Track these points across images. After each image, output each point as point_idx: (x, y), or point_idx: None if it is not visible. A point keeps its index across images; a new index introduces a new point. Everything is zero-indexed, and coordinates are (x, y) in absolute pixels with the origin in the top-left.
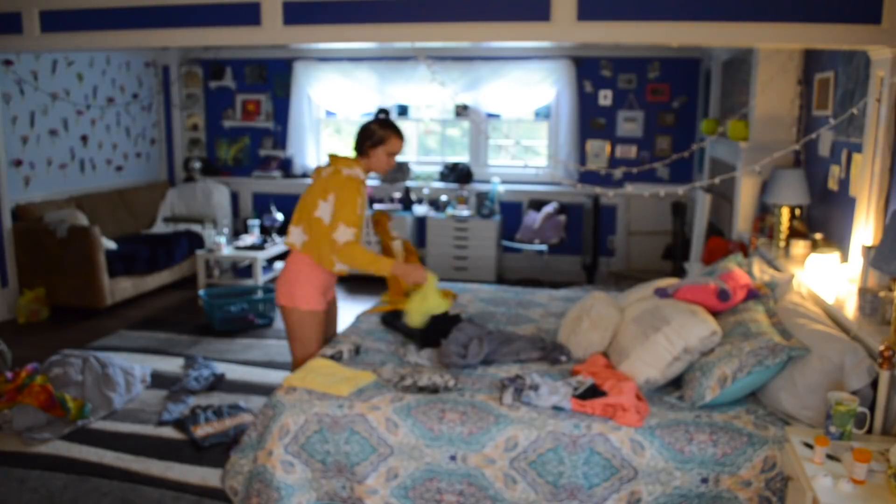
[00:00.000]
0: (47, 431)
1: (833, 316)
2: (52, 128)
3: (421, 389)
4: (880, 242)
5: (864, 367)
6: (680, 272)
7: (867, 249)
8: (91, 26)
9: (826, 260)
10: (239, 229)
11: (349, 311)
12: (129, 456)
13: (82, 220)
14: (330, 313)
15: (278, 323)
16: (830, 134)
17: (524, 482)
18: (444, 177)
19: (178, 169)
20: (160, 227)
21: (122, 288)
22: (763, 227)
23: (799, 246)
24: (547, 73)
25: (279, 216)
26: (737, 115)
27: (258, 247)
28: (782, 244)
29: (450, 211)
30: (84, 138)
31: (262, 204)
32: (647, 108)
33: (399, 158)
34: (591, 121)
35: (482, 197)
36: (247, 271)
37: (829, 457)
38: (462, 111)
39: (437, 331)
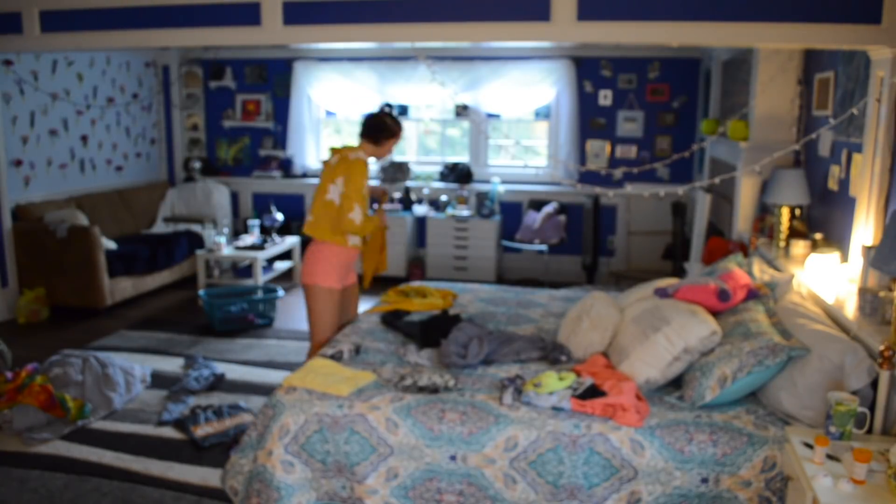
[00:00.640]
0: (47, 431)
1: (833, 316)
2: (52, 128)
3: (421, 389)
4: (880, 242)
5: (864, 367)
6: (680, 272)
7: (867, 249)
8: (91, 26)
9: (826, 260)
10: (239, 229)
11: None
12: (129, 456)
13: (82, 220)
14: (347, 297)
15: (278, 323)
16: (830, 134)
17: (524, 482)
18: (444, 177)
19: (178, 169)
20: (160, 227)
21: (122, 288)
22: (763, 227)
23: (799, 246)
24: (547, 73)
25: (279, 216)
26: (737, 115)
27: (258, 247)
28: (782, 244)
29: (450, 211)
30: (84, 138)
31: (261, 204)
32: (647, 108)
33: (399, 158)
34: (591, 121)
35: (482, 197)
36: (247, 271)
37: (829, 457)
38: (462, 111)
39: (437, 330)
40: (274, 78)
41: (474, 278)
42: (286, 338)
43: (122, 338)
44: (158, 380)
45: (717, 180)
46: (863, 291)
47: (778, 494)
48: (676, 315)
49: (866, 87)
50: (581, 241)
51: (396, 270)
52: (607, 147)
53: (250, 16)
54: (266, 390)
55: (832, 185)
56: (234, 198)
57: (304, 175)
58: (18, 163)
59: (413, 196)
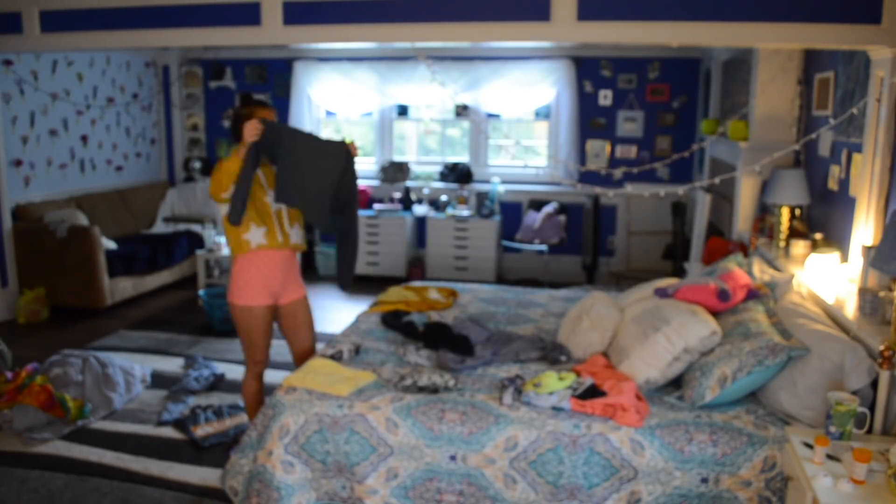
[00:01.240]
0: (47, 431)
1: (833, 316)
2: (52, 128)
3: (421, 389)
4: (880, 242)
5: (864, 367)
6: (680, 272)
7: (867, 249)
8: (91, 26)
9: (826, 260)
10: None
11: (349, 311)
12: (129, 456)
13: (82, 220)
14: (285, 320)
15: None
16: (830, 134)
17: (524, 482)
18: (444, 177)
19: (178, 169)
20: (160, 227)
21: (122, 288)
22: (763, 227)
23: (799, 246)
24: (547, 73)
25: None
26: (737, 115)
27: None
28: (782, 244)
29: (450, 211)
30: (84, 138)
31: None
32: (647, 108)
33: (399, 158)
34: (591, 121)
35: (482, 197)
36: None
37: (829, 457)
38: (462, 111)
39: (439, 336)
40: (274, 78)
41: (474, 278)
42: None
43: (122, 338)
44: (158, 380)
45: (717, 180)
46: (863, 291)
47: (778, 494)
48: (676, 315)
49: (866, 87)
50: (581, 241)
51: (396, 270)
52: (607, 147)
53: (250, 16)
54: (266, 390)
55: (832, 185)
56: None
57: None
58: (18, 163)
59: (413, 196)
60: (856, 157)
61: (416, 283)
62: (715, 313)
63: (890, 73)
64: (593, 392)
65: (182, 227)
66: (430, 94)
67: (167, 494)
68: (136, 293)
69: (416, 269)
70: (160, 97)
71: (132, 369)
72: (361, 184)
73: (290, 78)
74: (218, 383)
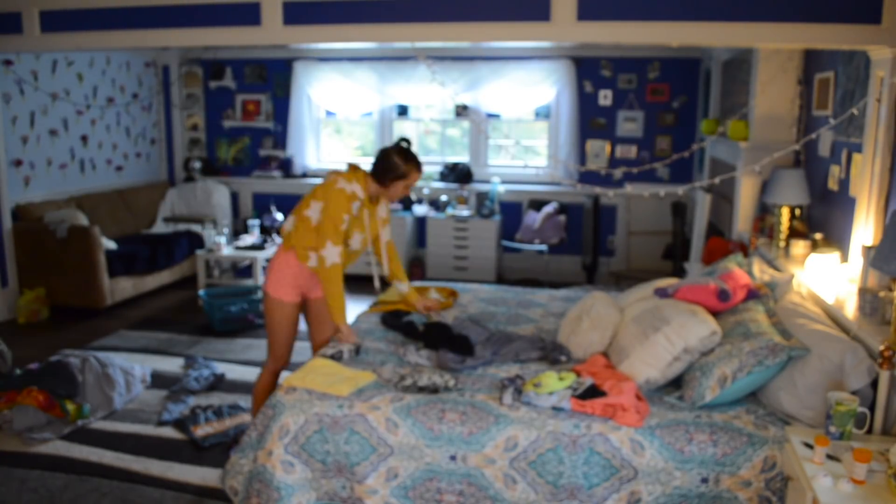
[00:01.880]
0: (47, 431)
1: (833, 316)
2: (52, 128)
3: (421, 389)
4: (880, 242)
5: (864, 367)
6: (680, 272)
7: (867, 249)
8: (91, 26)
9: (826, 260)
10: (239, 229)
11: (349, 311)
12: (129, 456)
13: (82, 220)
14: (315, 311)
15: None
16: (830, 134)
17: (524, 482)
18: (444, 177)
19: (178, 169)
20: (160, 227)
21: (122, 288)
22: (763, 227)
23: (799, 246)
24: (547, 73)
25: (279, 216)
26: (737, 115)
27: (258, 247)
28: (782, 244)
29: (450, 211)
30: (84, 138)
31: (261, 204)
32: (647, 108)
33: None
34: (591, 121)
35: (482, 197)
36: (247, 271)
37: (829, 457)
38: (462, 111)
39: (439, 336)
40: (274, 78)
41: (474, 278)
42: None
43: (122, 338)
44: (158, 380)
45: (717, 180)
46: (863, 291)
47: (778, 494)
48: (676, 315)
49: (866, 87)
50: (581, 241)
51: None
52: (607, 147)
53: (250, 16)
54: None
55: (832, 185)
56: (234, 198)
57: (304, 175)
58: (18, 163)
59: (413, 196)
60: (856, 157)
61: (416, 283)
62: (715, 313)
63: (890, 73)
64: (593, 392)
65: (182, 227)
66: (430, 94)
67: (167, 494)
68: (136, 293)
69: (416, 269)
70: (160, 97)
71: (132, 369)
72: None
73: (290, 78)
74: (218, 383)
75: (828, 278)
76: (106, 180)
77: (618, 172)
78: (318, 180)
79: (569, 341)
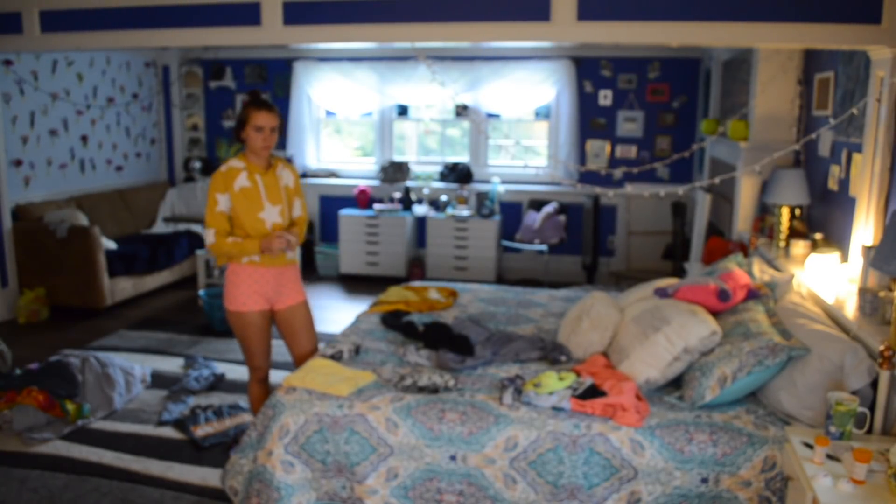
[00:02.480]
0: (47, 431)
1: (833, 316)
2: (52, 128)
3: (421, 389)
4: (880, 242)
5: (864, 367)
6: (680, 272)
7: (867, 249)
8: (91, 26)
9: (826, 260)
10: None
11: (349, 311)
12: (129, 456)
13: (82, 220)
14: (281, 325)
15: None
16: (830, 134)
17: (524, 482)
18: (444, 177)
19: (178, 169)
20: (160, 227)
21: (122, 288)
22: (763, 227)
23: (799, 246)
24: (547, 73)
25: None
26: (737, 115)
27: None
28: (782, 244)
29: (450, 211)
30: (84, 138)
31: None
32: (647, 108)
33: (399, 158)
34: (591, 121)
35: (482, 197)
36: None
37: (829, 457)
38: (462, 111)
39: (439, 335)
40: (274, 78)
41: (474, 278)
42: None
43: (122, 338)
44: (158, 380)
45: (717, 180)
46: (863, 291)
47: (778, 494)
48: (676, 315)
49: (866, 87)
50: (581, 241)
51: (396, 270)
52: (607, 147)
53: (250, 16)
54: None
55: (832, 185)
56: None
57: (304, 175)
58: (18, 163)
59: (413, 196)
60: (856, 157)
61: (416, 283)
62: (715, 313)
63: (890, 73)
64: (593, 392)
65: (182, 227)
66: (430, 94)
67: (167, 494)
68: (136, 293)
69: (416, 269)
70: (160, 97)
71: (132, 369)
72: (363, 184)
73: (290, 78)
74: (218, 383)
75: (828, 278)
76: (106, 180)
77: (618, 172)
78: (319, 180)
79: (569, 341)
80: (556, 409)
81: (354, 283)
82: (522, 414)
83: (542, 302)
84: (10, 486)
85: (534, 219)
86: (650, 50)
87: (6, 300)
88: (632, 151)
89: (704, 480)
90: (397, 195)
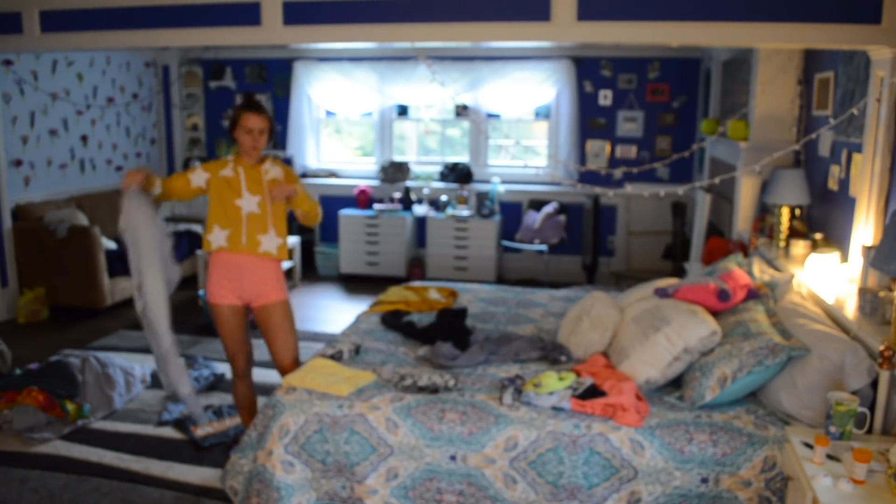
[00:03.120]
0: (47, 431)
1: (833, 316)
2: (52, 128)
3: (421, 389)
4: (880, 242)
5: (864, 367)
6: (680, 272)
7: (867, 249)
8: (91, 26)
9: (826, 260)
10: None
11: (349, 311)
12: (129, 456)
13: (82, 220)
14: (260, 324)
15: None
16: (830, 134)
17: (524, 482)
18: (444, 177)
19: (178, 169)
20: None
21: (122, 288)
22: (763, 227)
23: (799, 246)
24: (547, 73)
25: None
26: (737, 115)
27: None
28: (782, 244)
29: (450, 211)
30: (84, 138)
31: None
32: (647, 108)
33: (399, 158)
34: (591, 121)
35: (482, 197)
36: None
37: (829, 457)
38: (462, 111)
39: (443, 326)
40: (274, 78)
41: (474, 278)
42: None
43: (122, 338)
44: (158, 380)
45: (717, 180)
46: (863, 291)
47: (778, 494)
48: (676, 315)
49: (866, 87)
50: (581, 241)
51: (396, 270)
52: (607, 147)
53: (250, 16)
54: (266, 390)
55: (832, 185)
56: None
57: (304, 175)
58: (18, 163)
59: (413, 196)
60: (856, 157)
61: (416, 283)
62: (715, 313)
63: (890, 73)
64: (593, 392)
65: (182, 227)
66: (430, 94)
67: (167, 494)
68: None
69: (416, 269)
70: (160, 97)
71: (132, 369)
72: (363, 184)
73: (290, 78)
74: (218, 383)
75: (828, 278)
76: (106, 180)
77: (618, 172)
78: (319, 180)
79: (569, 341)
80: (556, 409)
81: (354, 283)
82: (522, 414)
83: (542, 302)
84: (10, 486)
85: (534, 219)
86: (650, 50)
87: (6, 300)
88: (632, 151)
89: (704, 480)
90: (397, 195)
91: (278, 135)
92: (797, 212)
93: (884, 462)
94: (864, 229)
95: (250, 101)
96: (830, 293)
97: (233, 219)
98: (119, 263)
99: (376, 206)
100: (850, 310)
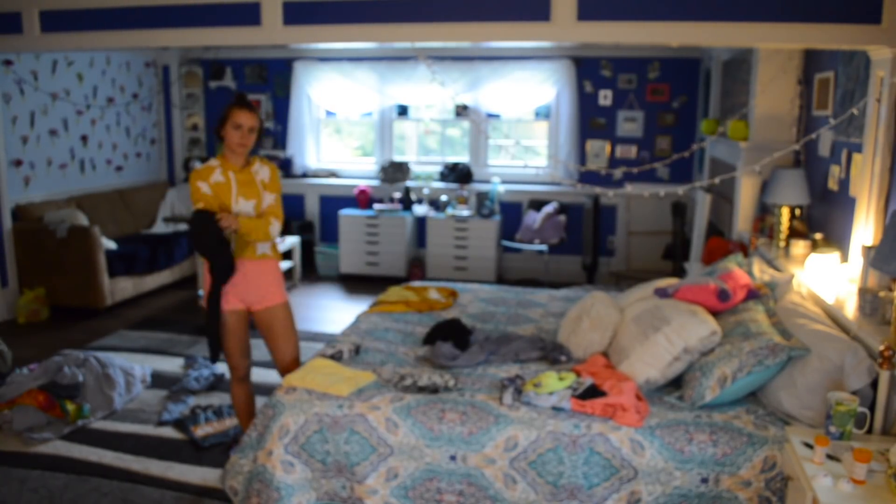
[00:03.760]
0: (47, 431)
1: (833, 316)
2: (52, 128)
3: (421, 389)
4: (880, 242)
5: (864, 367)
6: (680, 272)
7: (867, 249)
8: (91, 26)
9: (826, 260)
10: None
11: (349, 311)
12: (129, 456)
13: (82, 220)
14: (261, 327)
15: None
16: (830, 134)
17: (524, 482)
18: (444, 177)
19: (178, 169)
20: (160, 227)
21: (122, 288)
22: (763, 227)
23: (799, 246)
24: (547, 73)
25: None
26: (737, 115)
27: None
28: (782, 244)
29: (450, 211)
30: (84, 138)
31: None
32: (647, 108)
33: (399, 158)
34: (591, 121)
35: (482, 197)
36: None
37: (829, 457)
38: (462, 111)
39: (443, 328)
40: (274, 78)
41: (474, 278)
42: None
43: (122, 338)
44: (158, 380)
45: (717, 180)
46: (863, 291)
47: (778, 494)
48: (676, 315)
49: (866, 87)
50: (581, 241)
51: (396, 270)
52: (607, 147)
53: (250, 16)
54: (266, 390)
55: (832, 185)
56: None
57: (304, 175)
58: (18, 163)
59: (413, 196)
60: (856, 157)
61: (416, 283)
62: (715, 313)
63: (890, 73)
64: (593, 392)
65: (182, 227)
66: (430, 94)
67: (167, 494)
68: (136, 293)
69: (416, 269)
70: (160, 97)
71: (132, 369)
72: (363, 183)
73: (290, 78)
74: (218, 383)
75: (828, 278)
76: (106, 180)
77: (618, 172)
78: (319, 180)
79: (569, 341)
80: (556, 409)
81: (354, 283)
82: (522, 414)
83: (542, 302)
84: (10, 486)
85: (534, 219)
86: (650, 50)
87: (6, 300)
88: (632, 151)
89: (704, 480)
90: (397, 195)
91: (278, 135)
92: (797, 212)
93: (884, 462)
94: (864, 229)
95: (242, 98)
96: (830, 293)
97: None
98: (119, 263)
99: (376, 206)
100: (850, 310)
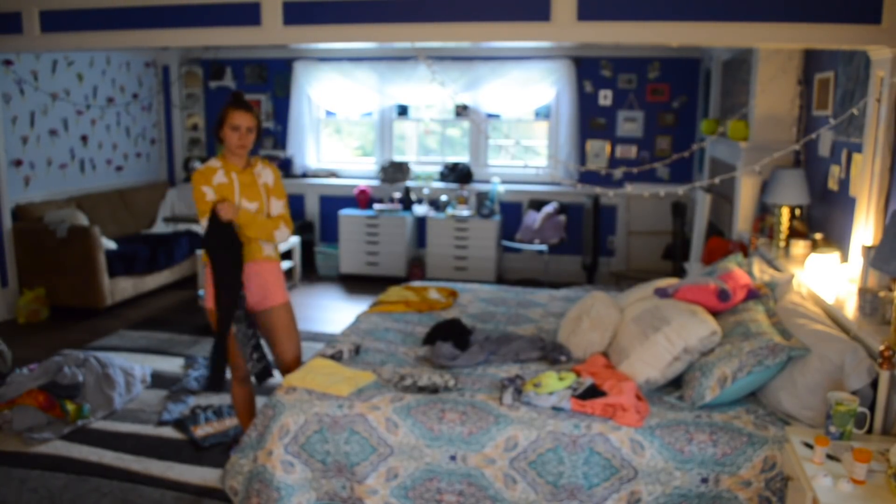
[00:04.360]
0: (47, 431)
1: (833, 316)
2: (52, 128)
3: (421, 389)
4: (880, 242)
5: (864, 367)
6: (680, 272)
7: (867, 249)
8: (91, 26)
9: (826, 260)
10: None
11: (349, 311)
12: (129, 456)
13: (82, 220)
14: (262, 327)
15: None
16: (830, 134)
17: (524, 482)
18: (444, 177)
19: (178, 169)
20: (160, 227)
21: (122, 288)
22: (763, 227)
23: (799, 246)
24: (547, 73)
25: None
26: (737, 115)
27: None
28: (782, 244)
29: (450, 211)
30: (84, 138)
31: None
32: (647, 108)
33: (399, 158)
34: (591, 121)
35: (482, 197)
36: None
37: (829, 457)
38: (462, 111)
39: (443, 328)
40: (274, 78)
41: (474, 278)
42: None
43: (122, 338)
44: (158, 380)
45: (717, 180)
46: (863, 291)
47: (778, 494)
48: (676, 315)
49: (866, 87)
50: (581, 241)
51: (396, 270)
52: (607, 147)
53: (250, 16)
54: (266, 390)
55: (832, 185)
56: None
57: (304, 175)
58: (18, 163)
59: (413, 196)
60: (856, 157)
61: (416, 283)
62: (715, 313)
63: (890, 73)
64: (593, 392)
65: (182, 227)
66: (430, 94)
67: (167, 494)
68: (136, 293)
69: (416, 269)
70: (160, 97)
71: (132, 369)
72: (363, 184)
73: (290, 78)
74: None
75: (828, 278)
76: (106, 180)
77: (618, 172)
78: (319, 180)
79: (569, 341)
80: (556, 409)
81: (354, 283)
82: (522, 414)
83: (542, 302)
84: (10, 486)
85: (534, 219)
86: (650, 50)
87: (6, 300)
88: (632, 151)
89: (704, 480)
90: (397, 195)
91: (278, 135)
92: (797, 212)
93: (884, 462)
94: (864, 229)
95: (238, 98)
96: (830, 293)
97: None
98: (119, 263)
99: (376, 206)
100: (850, 310)
